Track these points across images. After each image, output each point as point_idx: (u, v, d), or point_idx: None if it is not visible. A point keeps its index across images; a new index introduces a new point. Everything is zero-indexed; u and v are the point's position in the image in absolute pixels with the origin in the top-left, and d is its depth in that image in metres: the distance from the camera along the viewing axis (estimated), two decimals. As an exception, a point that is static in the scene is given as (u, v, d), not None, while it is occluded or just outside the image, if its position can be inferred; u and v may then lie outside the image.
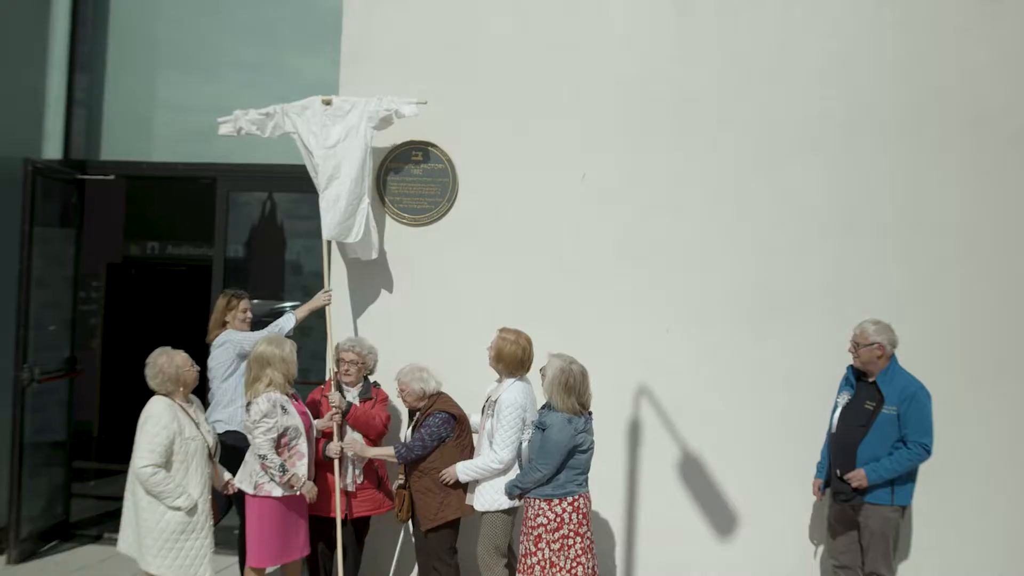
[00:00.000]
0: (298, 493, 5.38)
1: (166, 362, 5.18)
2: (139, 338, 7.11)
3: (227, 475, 5.49)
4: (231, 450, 5.73)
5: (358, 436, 5.77)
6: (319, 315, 6.36)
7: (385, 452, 5.69)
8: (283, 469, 5.26)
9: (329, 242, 6.16)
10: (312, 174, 6.10)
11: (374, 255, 6.29)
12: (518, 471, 5.39)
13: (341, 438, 5.75)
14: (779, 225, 6.14)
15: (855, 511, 5.38)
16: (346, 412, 5.75)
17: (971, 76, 6.00)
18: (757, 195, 6.16)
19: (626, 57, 6.31)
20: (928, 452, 5.26)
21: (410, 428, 5.70)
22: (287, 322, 6.10)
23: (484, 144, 6.44)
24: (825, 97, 6.11)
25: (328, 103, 6.08)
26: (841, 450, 5.43)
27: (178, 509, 5.03)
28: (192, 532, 5.09)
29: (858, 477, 5.26)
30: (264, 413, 5.25)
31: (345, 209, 6.01)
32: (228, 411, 5.99)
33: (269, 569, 5.55)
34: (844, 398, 5.54)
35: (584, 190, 6.31)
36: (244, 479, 5.39)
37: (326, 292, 6.16)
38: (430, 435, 5.55)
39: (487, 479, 5.45)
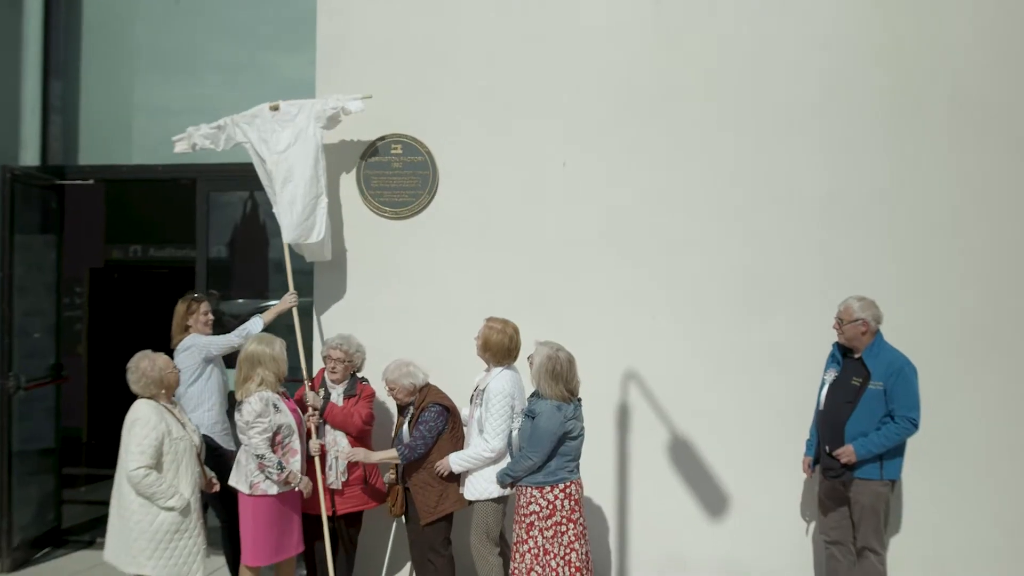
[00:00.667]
0: (296, 489, 5.41)
1: (148, 365, 5.18)
2: (125, 342, 7.07)
3: (210, 473, 5.49)
4: None
5: (341, 436, 5.77)
6: (306, 313, 6.41)
7: (388, 455, 5.67)
8: (280, 467, 5.28)
9: (290, 245, 6.17)
10: (265, 182, 6.14)
11: (328, 256, 6.30)
12: (509, 459, 5.40)
13: (320, 437, 5.75)
14: (767, 210, 6.16)
15: (845, 487, 5.41)
16: (322, 411, 5.75)
17: (954, 57, 6.02)
18: (744, 181, 6.18)
19: (609, 48, 6.31)
20: (916, 426, 5.29)
21: (406, 424, 5.69)
22: (254, 326, 6.08)
23: (464, 135, 6.43)
24: (810, 83, 6.12)
25: (275, 108, 6.11)
26: (829, 427, 5.46)
27: (171, 510, 5.03)
28: (185, 532, 5.10)
29: (847, 453, 5.29)
30: (258, 413, 5.26)
31: (302, 211, 6.04)
32: (195, 415, 5.91)
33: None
34: (831, 375, 5.56)
35: (568, 179, 6.32)
36: (239, 479, 5.40)
37: (291, 294, 6.16)
38: (429, 430, 5.56)
39: (479, 468, 5.47)
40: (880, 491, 5.36)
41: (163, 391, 5.21)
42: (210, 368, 6.03)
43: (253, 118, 6.12)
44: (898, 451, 5.37)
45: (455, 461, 5.50)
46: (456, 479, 5.60)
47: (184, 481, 5.11)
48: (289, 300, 6.14)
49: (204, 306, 6.22)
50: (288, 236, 6.07)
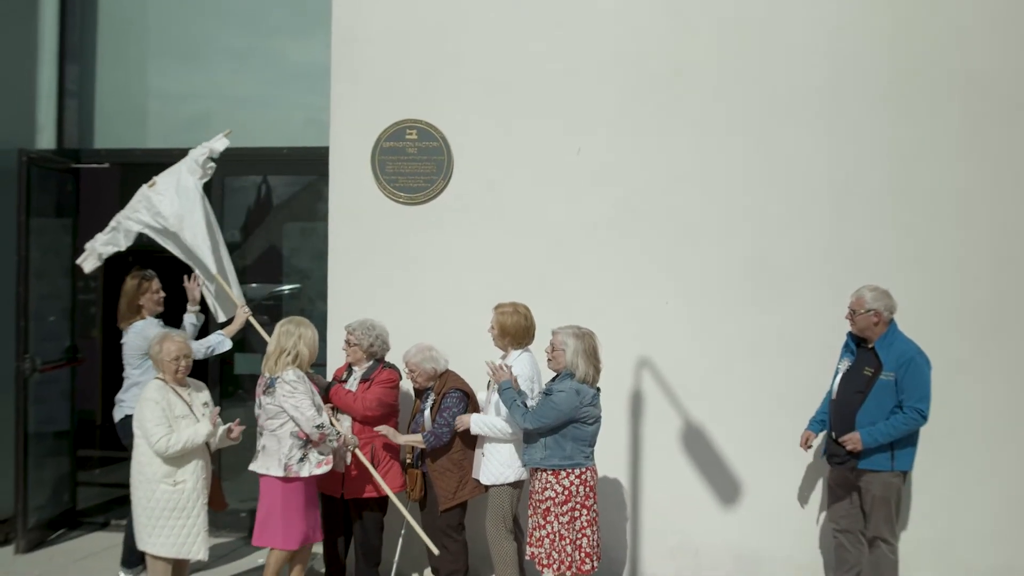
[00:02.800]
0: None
1: (153, 344, 5.33)
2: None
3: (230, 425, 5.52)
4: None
5: (346, 419, 5.76)
6: (322, 298, 6.49)
7: (414, 439, 5.69)
8: (337, 432, 5.41)
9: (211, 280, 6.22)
10: (175, 251, 6.18)
11: (241, 302, 6.27)
12: (524, 445, 5.38)
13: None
14: (774, 195, 6.15)
15: (856, 476, 5.41)
16: (325, 391, 5.76)
17: (961, 40, 6.00)
18: (751, 166, 6.18)
19: (619, 32, 6.29)
20: (924, 418, 5.27)
21: (427, 410, 5.71)
22: (220, 345, 6.13)
23: (479, 121, 6.43)
24: (817, 66, 6.10)
25: (152, 185, 6.14)
26: (840, 417, 5.44)
27: (209, 435, 5.20)
28: (183, 511, 5.18)
29: (853, 440, 5.27)
30: (296, 389, 5.31)
31: (210, 251, 6.07)
32: (128, 395, 5.94)
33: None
34: (845, 364, 5.54)
35: (582, 165, 6.32)
36: (270, 464, 5.38)
37: (242, 308, 6.18)
38: (452, 416, 5.59)
39: (494, 438, 5.50)
40: (891, 481, 5.35)
41: (163, 373, 5.29)
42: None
43: (138, 203, 6.13)
44: (910, 441, 5.35)
45: (476, 420, 5.53)
46: (473, 443, 5.63)
47: (189, 463, 5.20)
48: (242, 314, 6.17)
49: (155, 283, 6.17)
50: (206, 275, 6.16)
